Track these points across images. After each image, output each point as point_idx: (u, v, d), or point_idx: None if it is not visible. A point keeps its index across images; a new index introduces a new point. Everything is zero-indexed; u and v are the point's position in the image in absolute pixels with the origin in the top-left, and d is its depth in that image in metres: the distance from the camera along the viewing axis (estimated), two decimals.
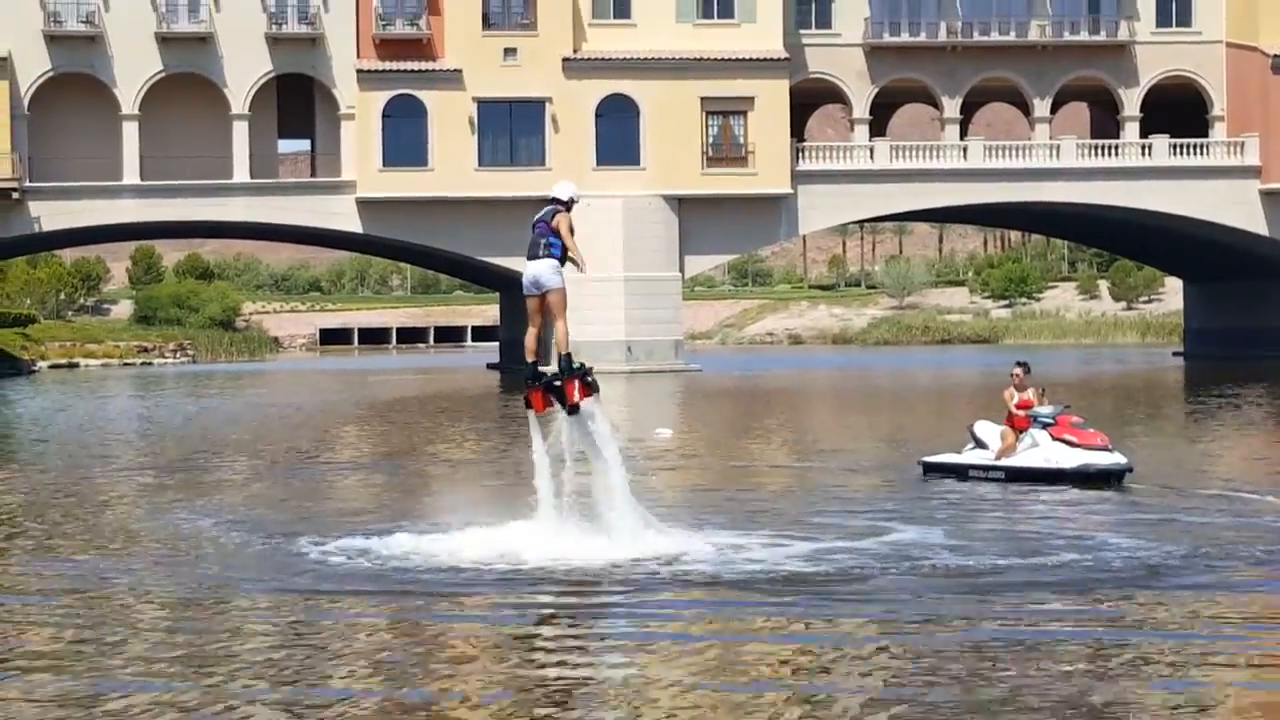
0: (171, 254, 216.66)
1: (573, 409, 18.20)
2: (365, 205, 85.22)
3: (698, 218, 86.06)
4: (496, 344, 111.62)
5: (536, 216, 18.84)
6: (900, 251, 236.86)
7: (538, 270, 18.51)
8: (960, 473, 27.13)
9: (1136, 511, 22.55)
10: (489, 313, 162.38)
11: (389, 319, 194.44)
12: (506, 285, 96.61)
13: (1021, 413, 26.85)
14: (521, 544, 17.83)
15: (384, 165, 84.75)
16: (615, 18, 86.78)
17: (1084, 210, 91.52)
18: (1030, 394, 27.14)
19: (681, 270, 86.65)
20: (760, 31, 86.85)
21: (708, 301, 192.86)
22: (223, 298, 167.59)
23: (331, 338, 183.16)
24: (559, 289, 18.45)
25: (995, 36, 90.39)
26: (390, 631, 14.22)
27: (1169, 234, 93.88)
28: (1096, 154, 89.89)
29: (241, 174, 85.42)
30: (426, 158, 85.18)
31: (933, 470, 27.70)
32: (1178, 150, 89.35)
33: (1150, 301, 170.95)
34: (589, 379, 18.35)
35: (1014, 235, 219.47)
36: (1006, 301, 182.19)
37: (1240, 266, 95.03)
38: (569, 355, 18.39)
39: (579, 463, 18.51)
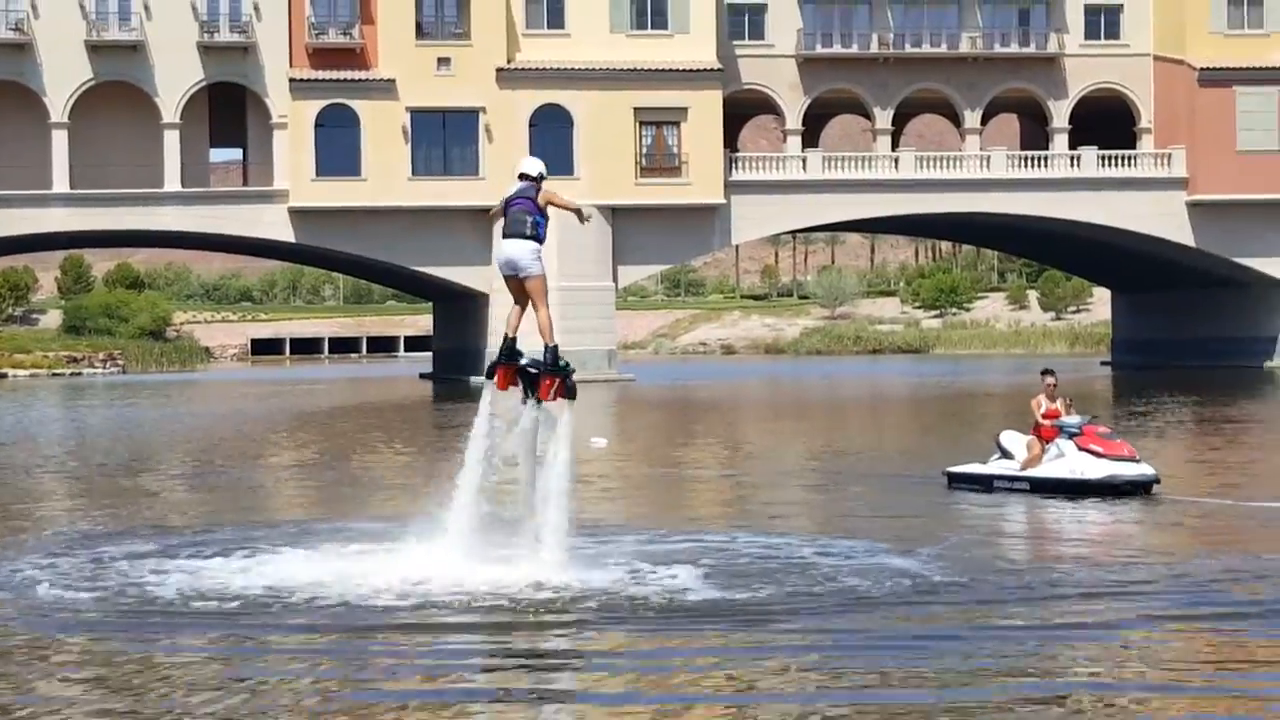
0: (101, 263, 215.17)
1: (538, 402, 17.01)
2: (298, 215, 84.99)
3: (631, 228, 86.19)
4: (429, 354, 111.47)
5: (512, 193, 17.35)
6: (832, 262, 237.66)
7: (515, 252, 17.07)
8: (985, 484, 26.47)
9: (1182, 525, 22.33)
10: (422, 322, 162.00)
11: (321, 329, 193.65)
12: (440, 295, 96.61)
13: (1048, 422, 26.27)
14: (431, 561, 16.72)
15: (316, 175, 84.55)
16: (549, 28, 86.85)
17: (1014, 221, 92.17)
18: (1059, 404, 26.58)
19: (615, 280, 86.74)
20: (693, 42, 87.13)
21: (641, 311, 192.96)
22: (153, 307, 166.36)
23: (263, 348, 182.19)
24: (539, 276, 17.04)
25: (926, 48, 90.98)
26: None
27: (1097, 245, 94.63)
28: (1026, 165, 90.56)
29: (173, 183, 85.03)
30: (359, 167, 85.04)
31: (958, 481, 27.04)
32: (1106, 162, 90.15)
33: (1078, 311, 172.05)
34: (569, 382, 17.13)
35: (945, 246, 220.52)
36: (937, 312, 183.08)
37: (1167, 277, 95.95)
38: (556, 348, 17.05)
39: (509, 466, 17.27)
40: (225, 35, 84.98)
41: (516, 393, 17.28)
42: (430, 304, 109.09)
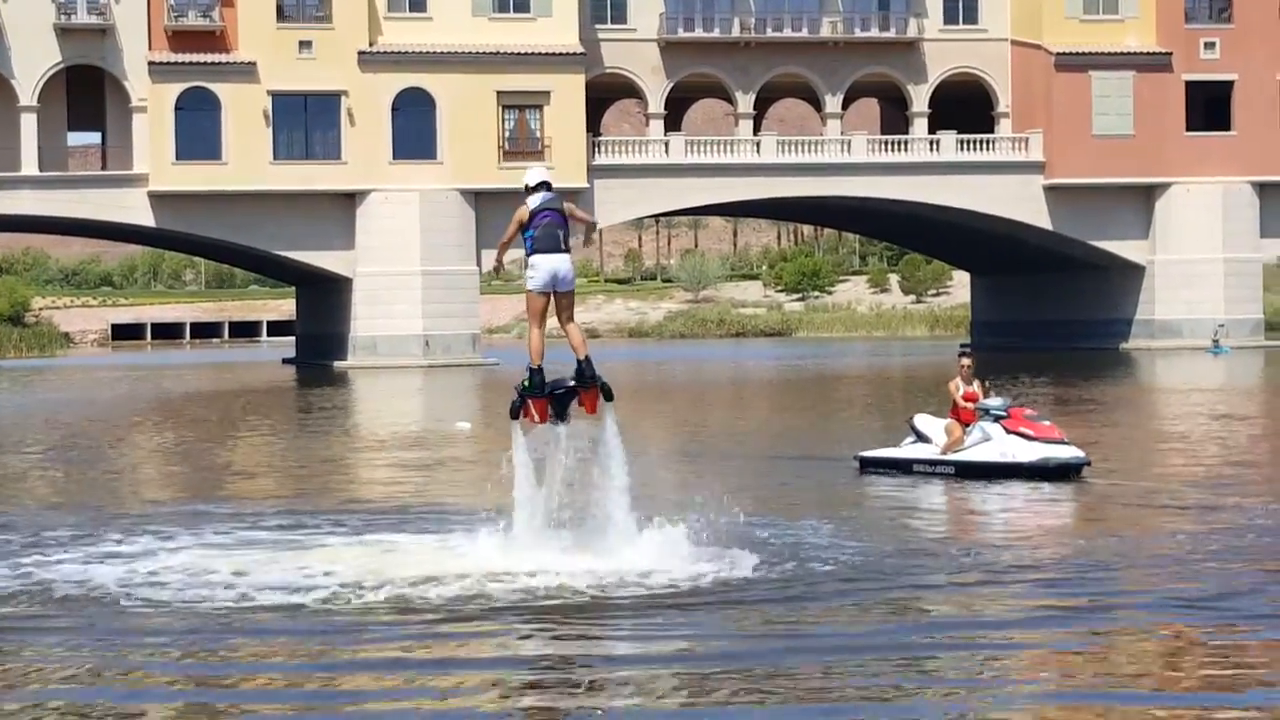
0: None
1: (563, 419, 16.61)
2: (158, 199, 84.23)
3: (495, 211, 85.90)
4: (292, 339, 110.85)
5: (536, 205, 16.60)
6: (695, 245, 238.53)
7: (561, 267, 16.57)
8: (904, 468, 25.59)
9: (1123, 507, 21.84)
10: (284, 307, 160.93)
11: (183, 314, 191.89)
12: (303, 279, 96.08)
13: (969, 405, 25.50)
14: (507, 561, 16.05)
15: (177, 158, 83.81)
16: (411, 11, 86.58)
17: (874, 205, 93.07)
18: (976, 386, 25.87)
19: (478, 264, 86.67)
20: (556, 25, 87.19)
21: (506, 295, 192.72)
22: (11, 293, 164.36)
23: (124, 333, 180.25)
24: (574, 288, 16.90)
25: (788, 33, 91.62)
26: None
27: (956, 228, 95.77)
28: (886, 149, 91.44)
29: (30, 167, 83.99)
30: (220, 151, 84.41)
31: (871, 465, 26.14)
32: (965, 146, 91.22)
33: (939, 295, 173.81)
34: (604, 383, 16.77)
35: (807, 229, 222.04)
36: (799, 295, 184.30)
37: (1025, 260, 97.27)
38: (590, 359, 16.64)
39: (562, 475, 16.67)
40: (83, 17, 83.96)
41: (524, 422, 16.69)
42: (293, 289, 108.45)
